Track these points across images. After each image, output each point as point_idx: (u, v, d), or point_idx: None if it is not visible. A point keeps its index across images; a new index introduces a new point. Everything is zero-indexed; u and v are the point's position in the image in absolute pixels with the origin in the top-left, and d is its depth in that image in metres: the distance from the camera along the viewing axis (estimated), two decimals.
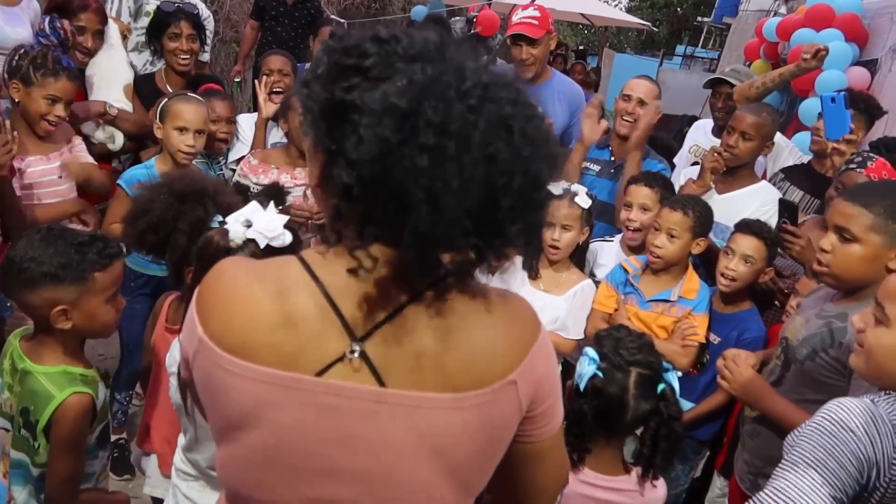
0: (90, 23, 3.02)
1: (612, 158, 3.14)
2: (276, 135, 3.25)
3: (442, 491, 0.96)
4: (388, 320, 0.91)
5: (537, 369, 0.97)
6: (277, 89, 3.24)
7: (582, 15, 11.15)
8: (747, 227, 2.49)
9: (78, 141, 2.78)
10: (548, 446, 1.05)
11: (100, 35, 3.10)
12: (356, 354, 0.90)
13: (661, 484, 1.76)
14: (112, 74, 3.13)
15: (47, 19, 2.81)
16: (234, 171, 3.06)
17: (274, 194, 2.55)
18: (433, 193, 0.80)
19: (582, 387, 1.65)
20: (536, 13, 3.27)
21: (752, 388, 1.98)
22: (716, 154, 2.86)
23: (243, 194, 2.23)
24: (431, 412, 0.91)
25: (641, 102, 3.01)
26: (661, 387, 1.69)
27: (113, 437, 2.79)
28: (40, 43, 2.73)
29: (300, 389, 0.90)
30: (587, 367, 1.66)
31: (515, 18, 3.31)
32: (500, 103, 0.83)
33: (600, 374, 1.67)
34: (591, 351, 1.70)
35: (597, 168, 3.12)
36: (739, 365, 2.03)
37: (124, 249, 1.84)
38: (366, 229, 0.85)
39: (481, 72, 0.85)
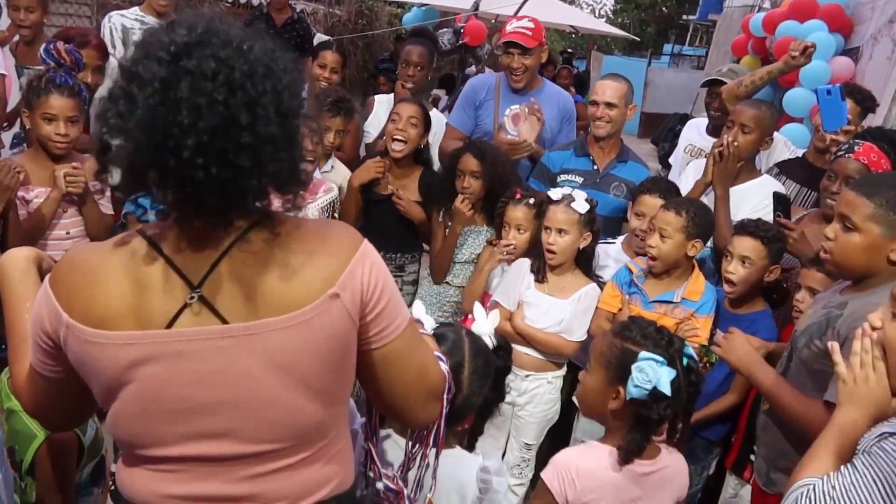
0: (90, 59, 3.02)
1: (596, 167, 3.10)
2: None
3: (301, 403, 1.08)
4: (217, 264, 1.04)
5: (359, 278, 1.08)
6: None
7: (571, 26, 11.28)
8: (742, 227, 2.47)
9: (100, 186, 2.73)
10: (398, 348, 1.15)
11: (99, 70, 3.10)
12: (195, 300, 1.03)
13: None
14: None
15: (42, 47, 2.82)
16: None
17: None
18: (127, 133, 0.96)
19: (669, 391, 1.59)
20: (531, 24, 3.32)
21: (745, 357, 1.95)
22: (724, 147, 2.76)
23: None
24: (270, 335, 1.04)
25: (609, 105, 3.01)
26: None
27: None
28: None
29: (156, 343, 1.03)
30: (661, 369, 1.60)
31: (510, 28, 3.37)
32: (203, 58, 0.95)
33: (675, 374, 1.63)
34: (652, 355, 1.62)
35: (580, 179, 3.07)
36: (735, 334, 2.01)
37: None
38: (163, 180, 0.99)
39: (193, 34, 0.97)
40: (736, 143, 2.75)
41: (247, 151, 0.96)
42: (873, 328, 1.38)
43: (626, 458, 1.65)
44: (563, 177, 3.08)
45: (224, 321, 1.04)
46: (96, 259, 1.06)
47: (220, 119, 0.93)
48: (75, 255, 1.09)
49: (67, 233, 2.62)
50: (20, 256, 1.29)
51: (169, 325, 1.03)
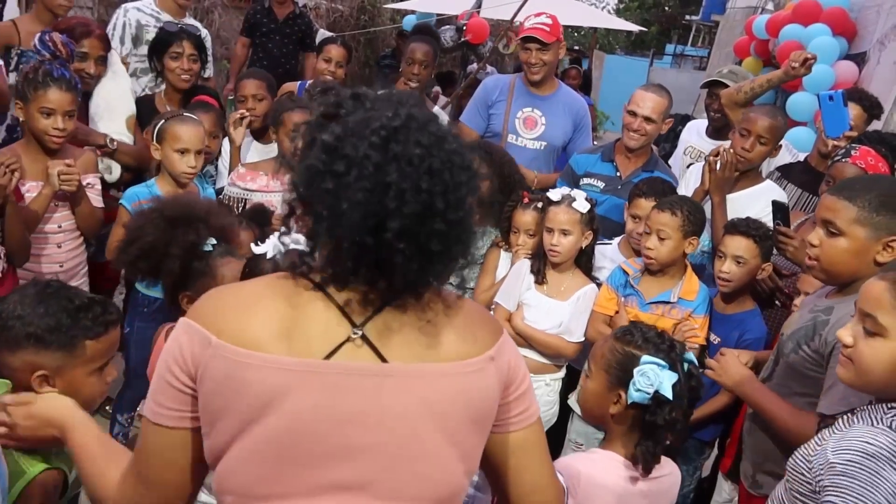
0: (93, 49, 2.99)
1: (619, 174, 3.09)
2: (253, 154, 3.25)
3: (449, 460, 1.05)
4: (381, 309, 1.03)
5: (508, 354, 1.13)
6: (247, 115, 3.15)
7: (573, 26, 11.27)
8: (734, 227, 2.49)
9: (93, 179, 2.73)
10: (534, 435, 1.18)
11: (102, 61, 3.07)
12: (358, 336, 1.01)
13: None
14: (116, 104, 3.10)
15: (38, 36, 2.79)
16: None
17: (258, 215, 2.54)
18: (334, 210, 0.97)
19: (671, 395, 1.57)
20: (549, 20, 3.36)
21: (737, 377, 2.02)
22: (721, 156, 2.76)
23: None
24: (431, 379, 1.03)
25: (648, 120, 2.97)
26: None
27: None
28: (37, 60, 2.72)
29: (312, 373, 0.98)
30: (663, 373, 1.59)
31: (528, 24, 3.41)
32: (408, 143, 0.97)
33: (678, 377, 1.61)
34: (654, 359, 1.61)
35: (601, 185, 3.07)
36: (727, 356, 2.07)
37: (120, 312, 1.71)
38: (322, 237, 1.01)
39: (398, 118, 0.98)
40: (733, 152, 2.75)
41: (439, 237, 0.98)
42: (845, 346, 1.40)
43: (646, 469, 1.62)
44: (585, 180, 3.09)
45: (384, 360, 1.02)
46: (250, 287, 1.08)
47: (421, 205, 0.96)
48: (221, 288, 1.10)
49: (59, 226, 2.64)
50: (68, 403, 1.36)
51: (327, 357, 1.00)
